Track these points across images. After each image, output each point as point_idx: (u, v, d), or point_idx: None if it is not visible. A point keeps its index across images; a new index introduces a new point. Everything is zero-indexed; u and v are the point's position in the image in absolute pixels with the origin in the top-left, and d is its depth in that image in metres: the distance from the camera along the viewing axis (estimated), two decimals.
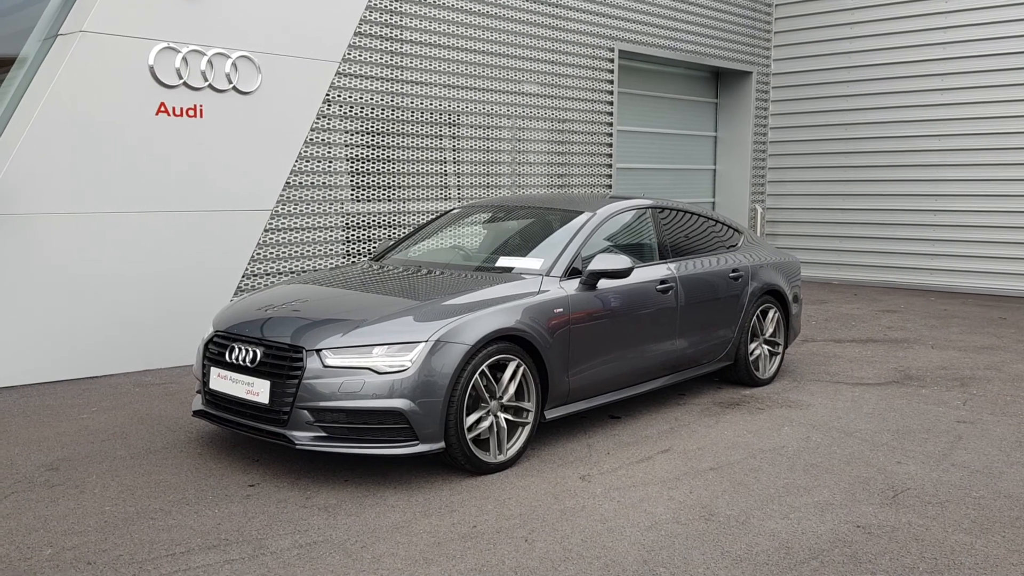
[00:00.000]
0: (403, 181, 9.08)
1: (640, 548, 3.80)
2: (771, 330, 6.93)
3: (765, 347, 6.89)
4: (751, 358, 6.71)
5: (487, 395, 4.69)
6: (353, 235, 8.69)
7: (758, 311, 6.76)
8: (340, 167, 8.49)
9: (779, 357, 7.03)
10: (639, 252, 6.06)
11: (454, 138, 9.55)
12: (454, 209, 6.86)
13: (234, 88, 7.54)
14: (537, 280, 5.21)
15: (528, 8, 10.11)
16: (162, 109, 7.14)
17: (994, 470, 4.85)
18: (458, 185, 9.67)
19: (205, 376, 4.92)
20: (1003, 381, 7.00)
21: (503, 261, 5.64)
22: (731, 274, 6.53)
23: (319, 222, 8.35)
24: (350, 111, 8.51)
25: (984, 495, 4.46)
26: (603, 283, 5.42)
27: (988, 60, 11.95)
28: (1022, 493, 4.50)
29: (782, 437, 5.44)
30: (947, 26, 12.28)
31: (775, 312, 6.94)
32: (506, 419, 4.79)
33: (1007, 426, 5.72)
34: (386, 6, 8.68)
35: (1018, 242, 11.88)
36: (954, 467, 4.89)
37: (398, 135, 8.97)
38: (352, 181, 8.63)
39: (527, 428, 4.91)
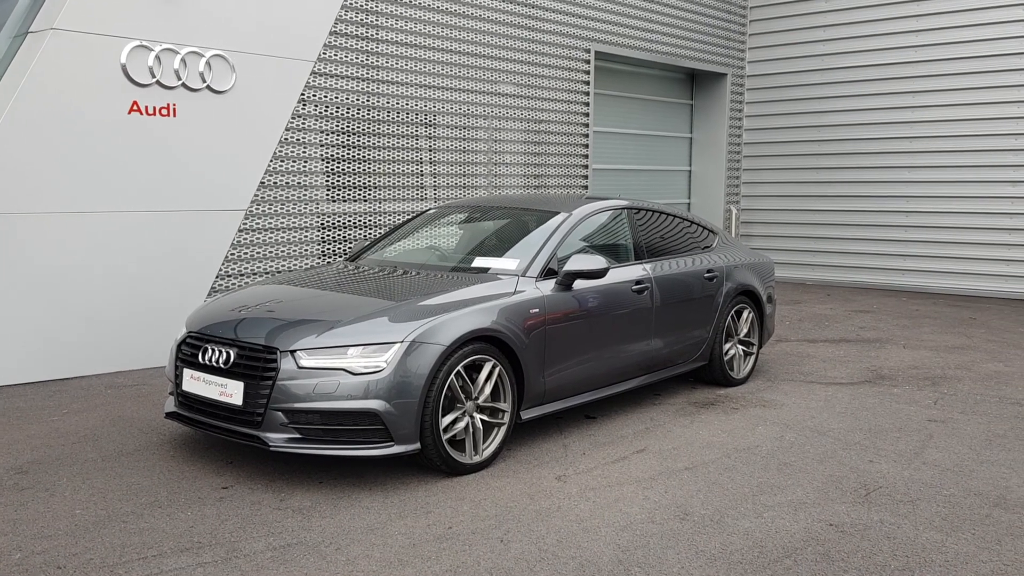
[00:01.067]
0: (379, 181, 9.05)
1: (615, 548, 3.81)
2: (745, 330, 6.98)
3: (739, 347, 6.93)
4: (726, 358, 6.75)
5: (463, 396, 4.68)
6: (328, 235, 8.65)
7: (733, 311, 6.80)
8: (315, 167, 8.45)
9: (753, 357, 7.07)
10: (615, 253, 6.08)
11: (430, 138, 9.53)
12: (430, 209, 6.85)
13: (208, 87, 7.48)
14: (513, 280, 5.21)
15: (504, 9, 10.11)
16: (135, 108, 7.07)
17: (964, 468, 4.91)
18: (434, 185, 9.66)
19: (178, 377, 4.88)
20: (973, 380, 7.09)
21: (479, 261, 5.64)
22: (706, 275, 6.56)
23: (294, 222, 8.30)
24: (325, 111, 8.47)
25: (955, 493, 4.52)
26: (579, 283, 5.44)
27: (959, 63, 12.11)
28: (992, 491, 4.56)
29: (756, 436, 5.48)
30: (918, 29, 12.42)
31: (749, 312, 6.99)
32: (482, 420, 4.79)
33: (977, 425, 5.79)
34: (361, 6, 8.65)
35: (988, 243, 12.04)
36: (925, 465, 4.95)
37: (374, 135, 8.94)
38: (327, 181, 8.58)
39: (503, 429, 4.90)
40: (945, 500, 4.42)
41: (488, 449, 4.83)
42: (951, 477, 4.76)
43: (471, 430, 4.73)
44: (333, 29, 8.42)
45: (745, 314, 6.96)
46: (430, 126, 9.50)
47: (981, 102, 11.96)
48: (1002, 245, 11.95)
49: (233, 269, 7.88)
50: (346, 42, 8.56)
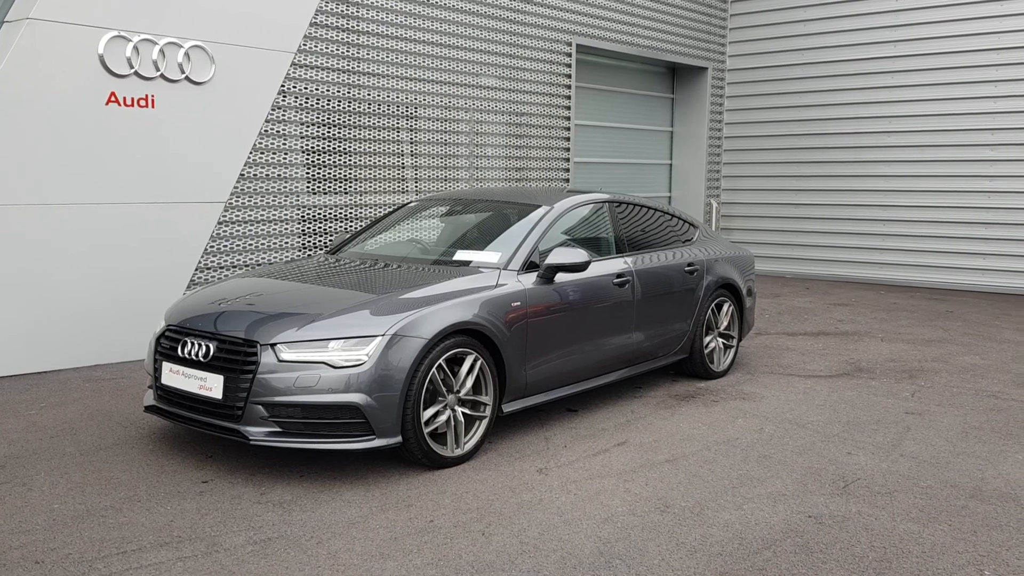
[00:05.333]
0: (360, 174, 9.01)
1: (596, 540, 3.82)
2: (725, 323, 7.01)
3: (719, 340, 6.96)
4: (706, 351, 6.78)
5: (444, 389, 4.68)
6: (309, 228, 8.61)
7: (713, 304, 6.83)
8: (296, 159, 8.40)
9: (733, 350, 7.11)
10: (596, 246, 6.09)
11: (411, 131, 9.50)
12: (411, 202, 6.83)
13: (187, 78, 7.41)
14: (495, 274, 5.21)
15: (486, 1, 10.08)
16: (112, 99, 7.00)
17: (941, 460, 4.96)
18: (415, 178, 9.62)
19: (157, 371, 4.84)
20: (950, 373, 7.16)
21: (461, 255, 5.63)
22: (686, 268, 6.59)
23: (274, 215, 8.25)
24: (306, 102, 8.42)
25: (931, 485, 4.57)
26: (560, 277, 5.44)
27: (938, 58, 12.21)
28: (968, 482, 4.61)
29: (736, 429, 5.51)
30: (898, 24, 12.51)
31: (729, 305, 7.02)
32: (463, 413, 4.79)
33: (954, 417, 5.86)
34: None
35: (964, 236, 12.17)
36: (903, 457, 5.00)
37: (355, 127, 8.89)
38: (308, 173, 8.54)
39: (484, 422, 4.91)
40: (922, 492, 4.46)
41: (470, 442, 4.83)
42: (928, 469, 4.81)
43: (453, 423, 4.73)
44: (313, 20, 8.37)
45: (725, 307, 6.99)
46: (411, 118, 9.47)
47: (958, 97, 12.07)
48: (978, 239, 12.08)
49: (213, 262, 7.82)
50: (326, 33, 8.51)
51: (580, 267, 5.39)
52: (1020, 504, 4.31)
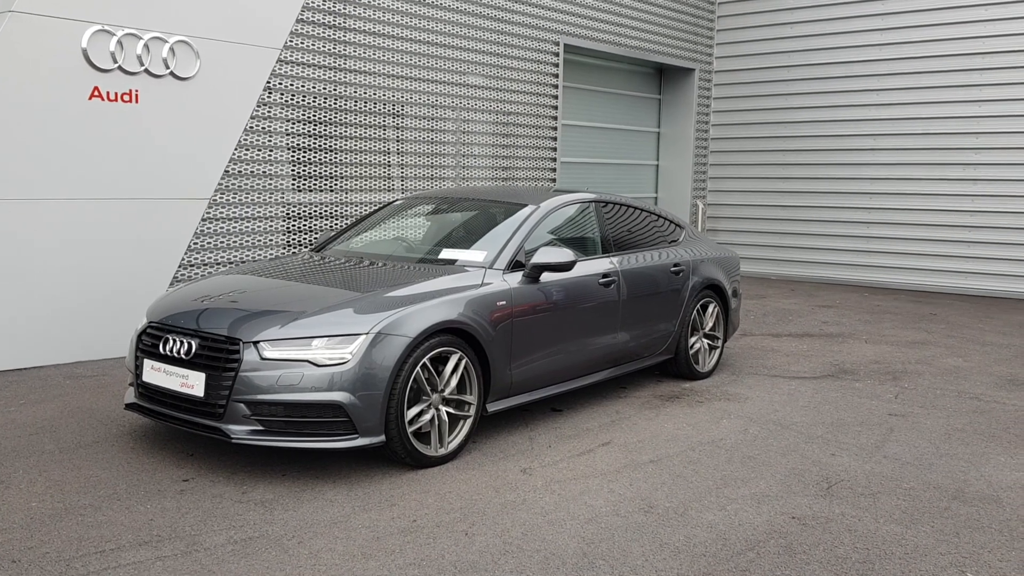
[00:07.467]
0: (346, 171, 8.97)
1: (580, 541, 3.81)
2: (711, 324, 7.02)
3: (705, 341, 6.97)
4: (691, 352, 6.78)
5: (428, 388, 4.66)
6: (294, 225, 8.56)
7: (698, 305, 6.84)
8: (281, 156, 8.35)
9: (718, 351, 7.12)
10: (582, 246, 6.08)
11: (398, 129, 9.46)
12: (397, 200, 6.80)
13: (171, 73, 7.35)
14: (480, 273, 5.19)
15: None
16: (95, 93, 6.93)
17: (924, 462, 4.98)
18: (401, 176, 9.59)
19: (138, 368, 4.80)
20: (933, 375, 7.19)
21: (446, 253, 5.61)
22: (672, 268, 6.59)
23: (259, 212, 8.20)
24: (292, 99, 8.37)
25: (914, 486, 4.58)
26: (546, 276, 5.43)
27: (923, 62, 12.27)
28: (951, 484, 4.62)
29: (720, 430, 5.52)
30: (884, 28, 12.57)
31: (715, 306, 7.03)
32: (448, 412, 4.77)
33: (937, 419, 5.88)
34: None
35: (948, 240, 12.24)
36: (886, 459, 5.01)
37: (341, 125, 8.85)
38: (293, 171, 8.49)
39: (469, 421, 4.89)
40: (905, 493, 4.48)
41: (454, 442, 4.81)
42: (911, 470, 4.82)
43: (437, 423, 4.71)
44: (300, 17, 8.32)
45: (711, 308, 7.00)
46: (398, 116, 9.44)
47: (943, 101, 12.14)
48: (961, 242, 12.15)
49: (196, 259, 7.76)
50: (313, 30, 8.46)
51: (566, 267, 5.38)
52: (1002, 506, 4.33)
